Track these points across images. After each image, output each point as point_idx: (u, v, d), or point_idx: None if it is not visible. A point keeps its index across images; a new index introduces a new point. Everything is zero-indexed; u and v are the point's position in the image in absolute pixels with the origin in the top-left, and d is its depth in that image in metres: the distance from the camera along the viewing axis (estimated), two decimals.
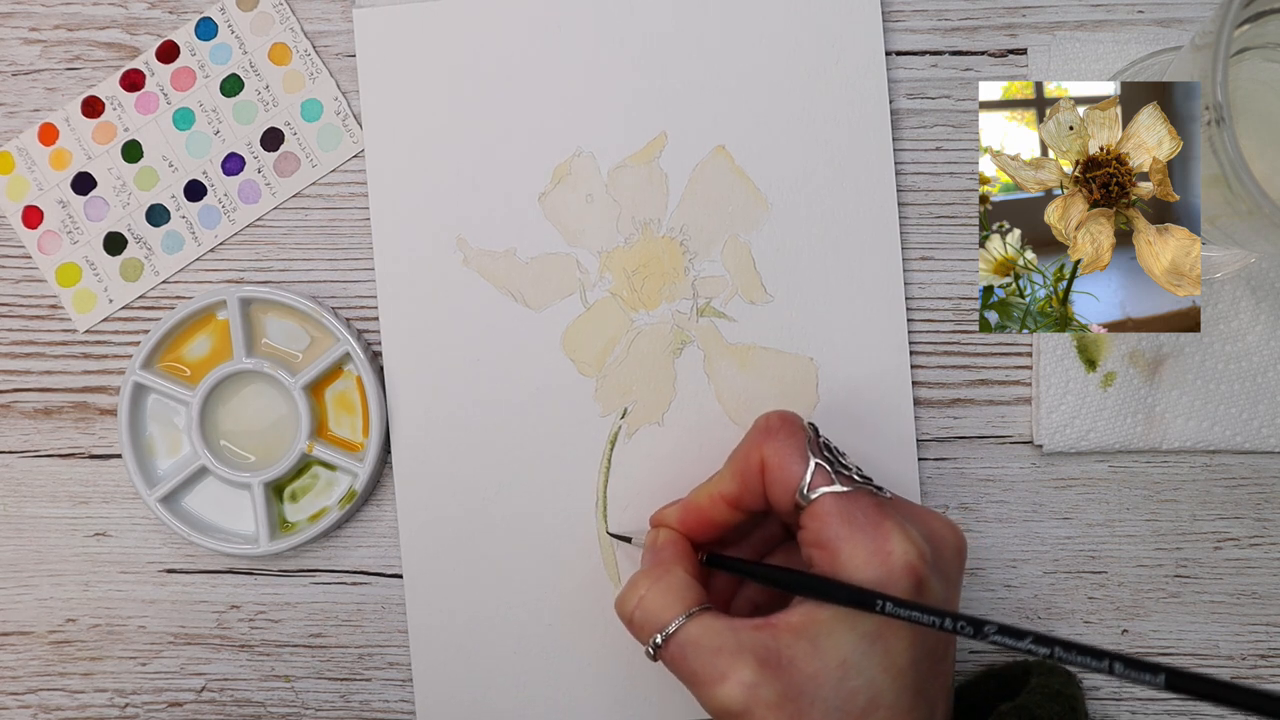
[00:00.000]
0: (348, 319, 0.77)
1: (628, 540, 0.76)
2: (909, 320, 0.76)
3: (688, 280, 0.76)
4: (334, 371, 0.77)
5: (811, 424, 0.66)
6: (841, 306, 0.76)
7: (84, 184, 0.78)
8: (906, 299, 0.76)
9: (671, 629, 0.63)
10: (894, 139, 0.76)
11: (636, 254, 0.77)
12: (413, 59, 0.77)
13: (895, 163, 0.76)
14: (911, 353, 0.76)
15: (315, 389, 0.77)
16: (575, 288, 0.77)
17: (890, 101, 0.76)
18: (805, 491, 0.62)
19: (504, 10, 0.77)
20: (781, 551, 0.72)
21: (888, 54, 0.76)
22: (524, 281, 0.77)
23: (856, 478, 0.63)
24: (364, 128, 0.77)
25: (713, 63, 0.76)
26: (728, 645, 0.61)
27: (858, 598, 0.59)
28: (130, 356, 0.78)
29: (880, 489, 0.63)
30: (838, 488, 0.62)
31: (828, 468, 0.63)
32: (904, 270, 0.76)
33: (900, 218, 0.76)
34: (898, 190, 0.76)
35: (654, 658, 0.64)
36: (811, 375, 0.76)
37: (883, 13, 0.76)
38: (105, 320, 0.78)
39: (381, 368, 0.77)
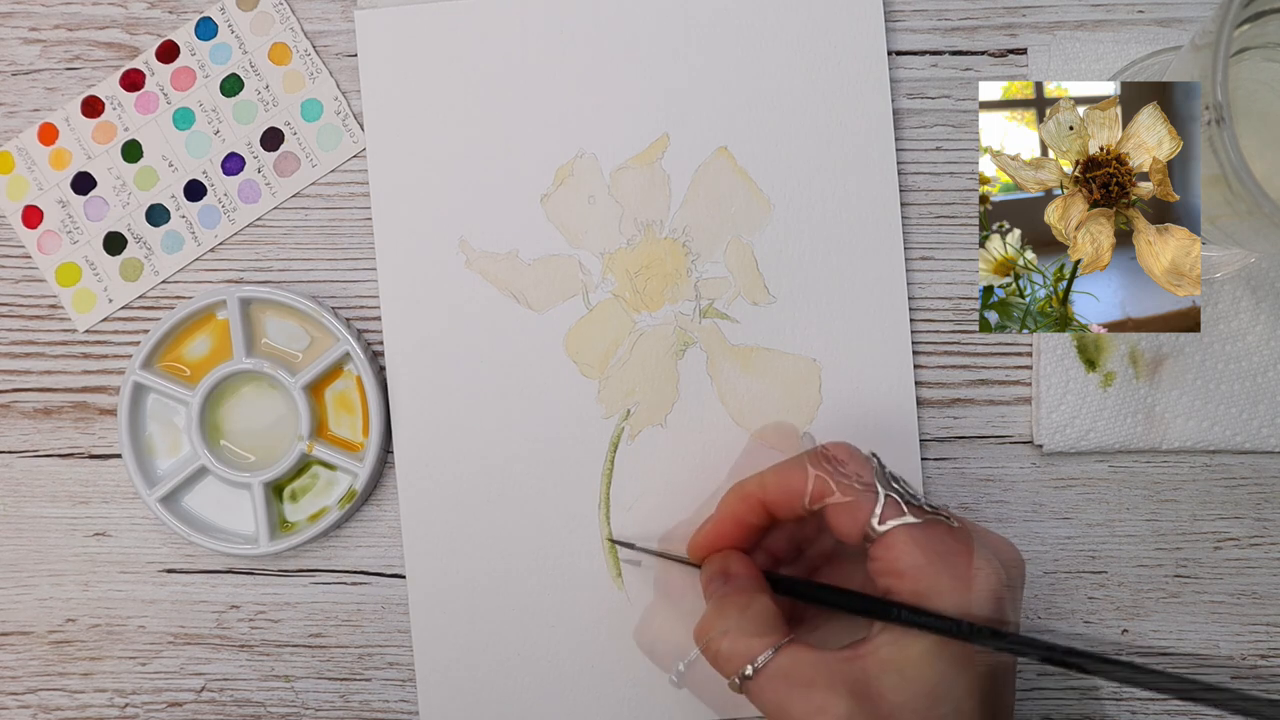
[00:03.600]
0: (348, 319, 0.77)
1: (630, 547, 0.76)
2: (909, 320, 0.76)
3: (690, 281, 0.76)
4: (334, 371, 0.77)
5: (874, 454, 0.66)
6: (844, 307, 0.76)
7: (84, 184, 0.78)
8: (908, 299, 0.76)
9: (760, 661, 0.62)
10: (894, 139, 0.76)
11: (639, 255, 0.77)
12: (414, 61, 0.77)
13: (896, 163, 0.76)
14: (912, 352, 0.76)
15: (315, 389, 0.77)
16: (578, 289, 0.77)
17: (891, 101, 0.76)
18: (876, 525, 0.62)
19: (506, 12, 0.77)
20: (791, 569, 0.72)
21: (888, 54, 0.76)
22: (526, 283, 0.77)
23: (927, 508, 0.63)
24: (365, 130, 0.77)
25: (715, 64, 0.76)
26: (820, 678, 0.61)
27: (953, 628, 0.59)
28: (130, 356, 0.78)
29: (949, 517, 0.63)
30: (910, 519, 0.62)
31: (898, 500, 0.63)
32: (915, 275, 0.76)
33: (901, 218, 0.76)
34: (899, 190, 0.76)
35: (739, 689, 0.63)
36: (814, 376, 0.76)
37: (884, 13, 0.76)
38: (105, 320, 0.78)
39: (382, 368, 0.77)
